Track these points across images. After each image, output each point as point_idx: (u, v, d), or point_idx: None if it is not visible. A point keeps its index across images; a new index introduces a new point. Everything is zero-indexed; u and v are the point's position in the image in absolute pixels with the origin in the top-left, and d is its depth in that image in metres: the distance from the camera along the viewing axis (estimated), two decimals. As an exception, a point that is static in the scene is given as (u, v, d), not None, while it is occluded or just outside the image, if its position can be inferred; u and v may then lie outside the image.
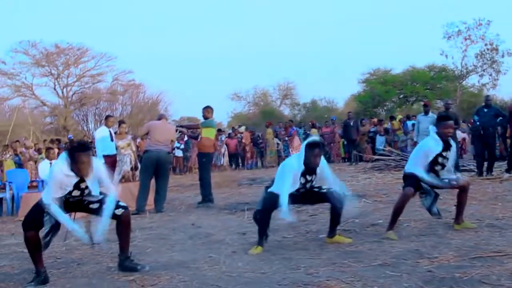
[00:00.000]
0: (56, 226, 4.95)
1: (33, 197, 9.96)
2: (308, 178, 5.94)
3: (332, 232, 6.14)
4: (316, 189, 6.04)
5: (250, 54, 62.27)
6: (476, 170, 12.59)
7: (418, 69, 39.77)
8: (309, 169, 5.89)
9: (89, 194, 5.08)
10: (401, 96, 40.38)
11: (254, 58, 60.93)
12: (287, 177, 5.79)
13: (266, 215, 5.84)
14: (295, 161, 5.90)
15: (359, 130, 20.06)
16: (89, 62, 38.45)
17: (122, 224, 5.19)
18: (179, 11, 64.60)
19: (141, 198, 9.56)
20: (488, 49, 33.95)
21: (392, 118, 22.29)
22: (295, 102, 44.33)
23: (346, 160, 21.06)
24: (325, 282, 4.40)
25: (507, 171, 12.06)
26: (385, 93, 38.52)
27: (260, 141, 23.64)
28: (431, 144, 6.23)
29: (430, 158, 6.18)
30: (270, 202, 5.79)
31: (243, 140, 23.67)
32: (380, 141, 19.84)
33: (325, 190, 6.00)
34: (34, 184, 11.29)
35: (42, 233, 4.97)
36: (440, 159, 6.22)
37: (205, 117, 10.80)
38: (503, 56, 33.62)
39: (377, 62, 49.06)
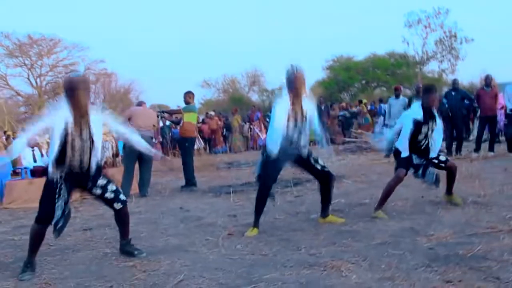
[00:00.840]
0: (67, 212, 4.61)
1: (17, 185, 9.57)
2: (294, 113, 5.51)
3: (325, 212, 5.92)
4: (312, 161, 5.73)
5: (218, 41, 61.68)
6: (445, 151, 12.56)
7: (379, 56, 39.96)
8: (296, 97, 5.51)
9: (93, 135, 4.60)
10: (363, 81, 40.55)
11: (222, 46, 60.33)
12: (279, 115, 5.46)
13: (266, 185, 5.57)
14: (283, 102, 5.55)
15: (330, 114, 19.98)
16: (62, 52, 37.50)
17: (120, 216, 4.96)
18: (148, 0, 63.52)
19: (125, 184, 9.21)
20: (447, 37, 34.25)
21: (360, 101, 22.24)
22: (263, 88, 44.11)
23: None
24: (330, 262, 4.19)
25: (475, 151, 12.08)
26: (348, 79, 38.66)
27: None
28: (413, 112, 6.13)
29: (413, 125, 6.01)
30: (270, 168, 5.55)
31: (210, 126, 23.25)
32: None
33: (319, 167, 5.74)
34: (17, 171, 10.84)
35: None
36: (423, 129, 6.05)
37: (187, 102, 10.49)
38: (461, 43, 33.97)
39: (340, 50, 48.90)
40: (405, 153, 6.08)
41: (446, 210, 6.07)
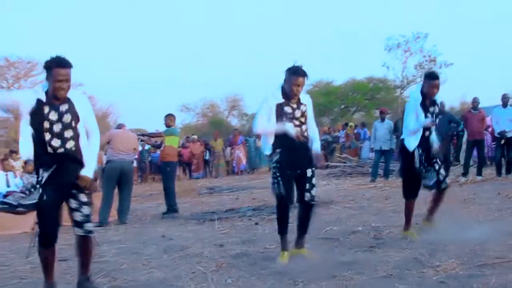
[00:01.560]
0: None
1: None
2: (291, 109, 5.10)
3: (299, 243, 5.30)
4: (307, 185, 5.15)
5: (198, 66, 61.43)
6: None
7: (358, 81, 40.00)
8: (288, 99, 5.09)
9: (70, 122, 4.14)
10: (343, 106, 40.52)
11: (202, 70, 60.20)
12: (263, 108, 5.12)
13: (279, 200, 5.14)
14: (274, 93, 5.14)
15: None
16: (40, 75, 36.80)
17: (81, 244, 4.33)
18: (125, 23, 63.17)
19: (104, 210, 8.73)
20: (426, 61, 34.36)
21: (346, 124, 21.97)
22: (243, 112, 43.87)
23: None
24: (333, 299, 3.78)
25: (463, 175, 11.83)
26: (328, 103, 38.59)
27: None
28: (412, 100, 5.87)
29: (420, 114, 5.76)
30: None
31: (192, 151, 22.75)
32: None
33: (308, 197, 5.15)
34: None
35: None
36: (427, 115, 5.79)
37: (168, 125, 10.10)
38: (440, 67, 34.06)
39: (319, 74, 48.92)
40: (414, 137, 5.81)
41: (446, 237, 5.69)
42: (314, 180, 5.22)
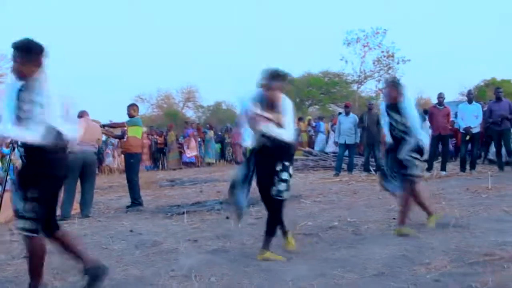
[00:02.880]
0: None
1: None
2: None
3: (265, 246, 4.97)
4: (276, 178, 4.82)
5: (153, 56, 60.61)
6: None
7: (313, 75, 40.11)
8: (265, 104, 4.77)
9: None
10: (298, 100, 40.58)
11: (157, 61, 59.36)
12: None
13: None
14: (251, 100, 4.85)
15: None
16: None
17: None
18: (82, 12, 61.76)
19: (66, 203, 8.30)
20: (384, 56, 34.78)
21: (300, 119, 21.93)
22: (198, 104, 43.46)
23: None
24: (329, 299, 3.60)
25: (427, 170, 11.87)
26: (284, 97, 38.58)
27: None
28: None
29: (385, 119, 5.87)
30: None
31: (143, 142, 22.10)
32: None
33: (275, 191, 4.84)
34: None
35: None
36: (392, 121, 5.76)
37: (131, 115, 9.71)
38: (398, 63, 34.57)
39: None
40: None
41: (428, 233, 5.62)
42: (284, 174, 4.88)
